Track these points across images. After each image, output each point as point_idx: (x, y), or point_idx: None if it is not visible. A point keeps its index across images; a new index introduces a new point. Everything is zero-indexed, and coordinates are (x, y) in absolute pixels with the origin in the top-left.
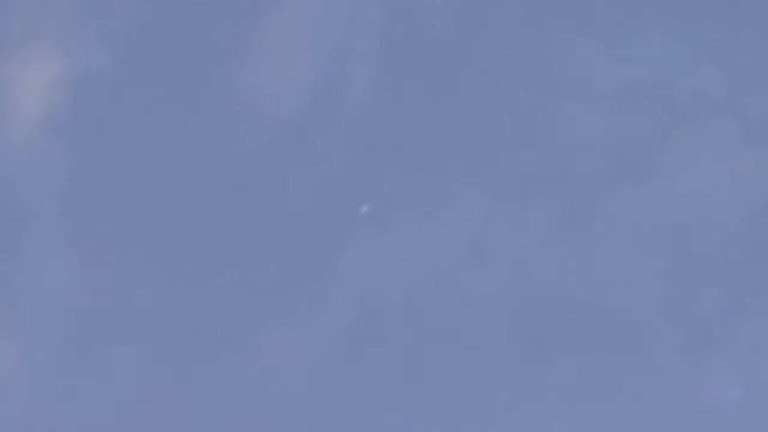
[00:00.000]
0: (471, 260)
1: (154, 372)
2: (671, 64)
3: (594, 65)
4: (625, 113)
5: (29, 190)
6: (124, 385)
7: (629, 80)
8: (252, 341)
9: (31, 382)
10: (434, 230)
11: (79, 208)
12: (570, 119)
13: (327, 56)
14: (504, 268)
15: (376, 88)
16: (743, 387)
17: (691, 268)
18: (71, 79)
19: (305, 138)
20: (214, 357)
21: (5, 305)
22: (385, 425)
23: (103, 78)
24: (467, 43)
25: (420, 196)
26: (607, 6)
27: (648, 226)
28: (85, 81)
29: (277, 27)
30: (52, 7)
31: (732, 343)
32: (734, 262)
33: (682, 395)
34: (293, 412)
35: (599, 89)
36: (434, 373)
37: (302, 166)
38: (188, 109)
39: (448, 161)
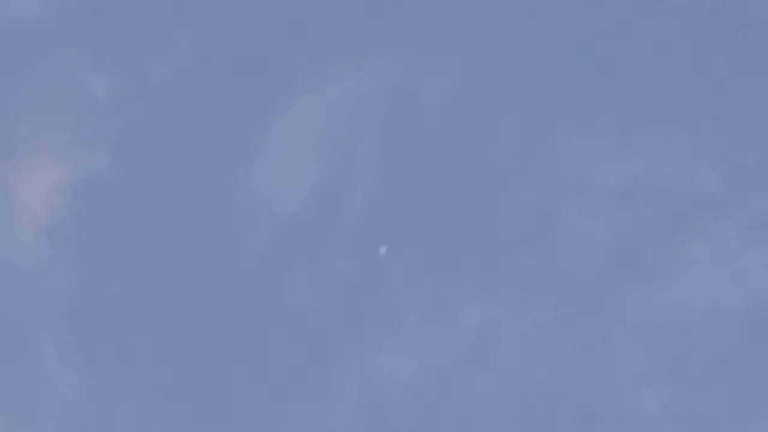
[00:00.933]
0: (476, 361)
1: None
2: (672, 164)
3: (595, 165)
4: (627, 213)
5: (32, 294)
6: None
7: (630, 180)
8: None
9: None
10: (438, 331)
11: (81, 312)
12: (572, 218)
13: (331, 157)
14: (509, 370)
15: (378, 188)
16: None
17: (695, 367)
18: (74, 182)
19: (310, 238)
20: None
21: (7, 409)
22: None
23: (105, 181)
24: (468, 145)
25: (423, 297)
26: (608, 106)
27: (651, 325)
28: (87, 184)
29: (283, 129)
30: (54, 111)
31: None
32: (738, 361)
33: None
34: None
35: (600, 189)
36: None
37: (307, 265)
38: (192, 210)
39: (451, 261)
